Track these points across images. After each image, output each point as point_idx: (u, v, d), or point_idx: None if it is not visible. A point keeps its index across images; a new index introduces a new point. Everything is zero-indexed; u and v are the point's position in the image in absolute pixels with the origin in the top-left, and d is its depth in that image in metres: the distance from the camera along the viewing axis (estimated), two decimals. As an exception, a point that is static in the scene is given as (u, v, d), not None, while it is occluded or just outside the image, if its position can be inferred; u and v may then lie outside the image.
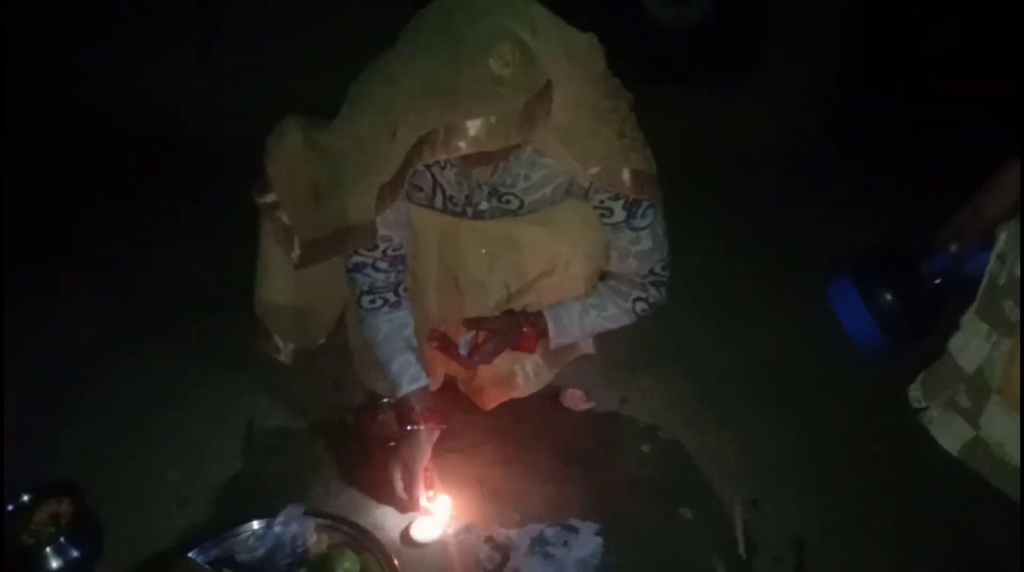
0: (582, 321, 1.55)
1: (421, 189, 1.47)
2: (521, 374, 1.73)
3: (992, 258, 0.99)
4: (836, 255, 1.21)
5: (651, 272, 1.53)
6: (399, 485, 1.49)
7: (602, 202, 1.46)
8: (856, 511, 1.57)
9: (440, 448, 1.63)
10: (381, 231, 1.41)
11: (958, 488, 1.12)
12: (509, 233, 1.53)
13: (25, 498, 1.45)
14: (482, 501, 1.57)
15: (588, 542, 1.45)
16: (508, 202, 1.47)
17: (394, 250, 1.50)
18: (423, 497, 1.49)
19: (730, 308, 2.17)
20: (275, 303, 1.59)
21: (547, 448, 1.70)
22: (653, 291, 1.55)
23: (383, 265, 1.49)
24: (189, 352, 1.96)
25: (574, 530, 1.47)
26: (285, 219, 1.44)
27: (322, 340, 1.77)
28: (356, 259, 1.49)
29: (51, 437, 1.70)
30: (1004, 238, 0.98)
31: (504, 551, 1.44)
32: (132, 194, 2.55)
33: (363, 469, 1.64)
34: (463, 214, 1.51)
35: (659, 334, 2.00)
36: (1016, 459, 0.92)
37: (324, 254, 1.42)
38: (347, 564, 1.36)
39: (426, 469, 1.51)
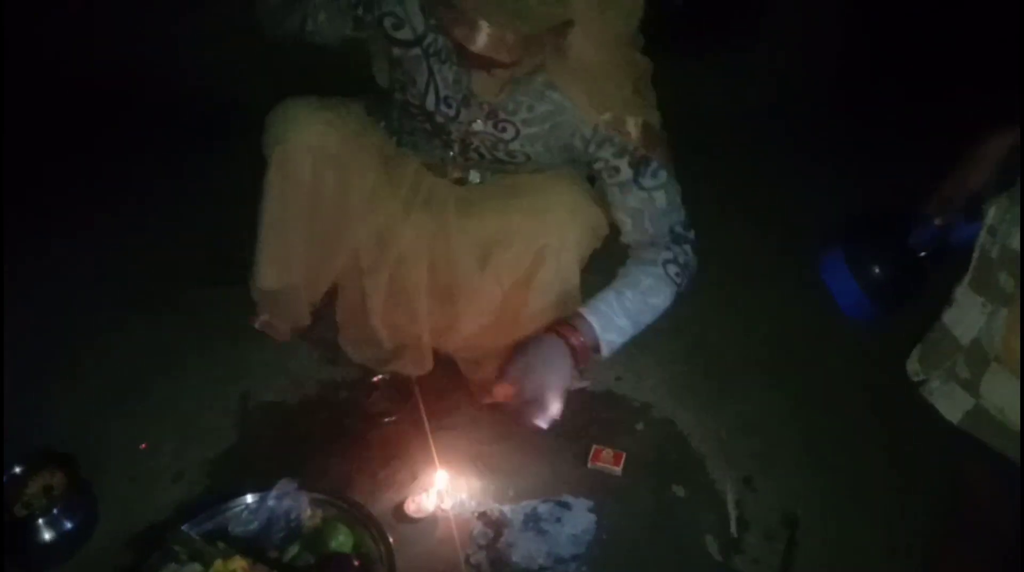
0: (622, 304, 1.37)
1: (415, 81, 1.43)
2: None
3: (983, 233, 1.00)
4: (831, 226, 1.23)
5: (671, 231, 1.43)
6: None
7: (607, 161, 1.40)
8: (849, 488, 1.59)
9: (436, 425, 1.63)
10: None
11: (954, 465, 1.13)
12: (500, 225, 1.48)
13: (17, 469, 1.44)
14: (476, 477, 1.57)
15: (581, 518, 1.46)
16: (504, 129, 1.43)
17: None
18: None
19: (729, 284, 2.16)
20: (271, 288, 1.59)
21: (541, 425, 1.70)
22: (679, 249, 1.42)
23: None
24: (183, 324, 1.94)
25: (567, 506, 1.48)
26: None
27: (307, 321, 1.74)
28: None
29: (43, 408, 1.69)
30: (993, 212, 1.00)
31: (497, 527, 1.45)
32: (129, 160, 2.52)
33: (357, 444, 1.64)
34: (451, 121, 1.44)
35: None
36: (1016, 423, 0.93)
37: None
38: (341, 538, 1.37)
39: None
